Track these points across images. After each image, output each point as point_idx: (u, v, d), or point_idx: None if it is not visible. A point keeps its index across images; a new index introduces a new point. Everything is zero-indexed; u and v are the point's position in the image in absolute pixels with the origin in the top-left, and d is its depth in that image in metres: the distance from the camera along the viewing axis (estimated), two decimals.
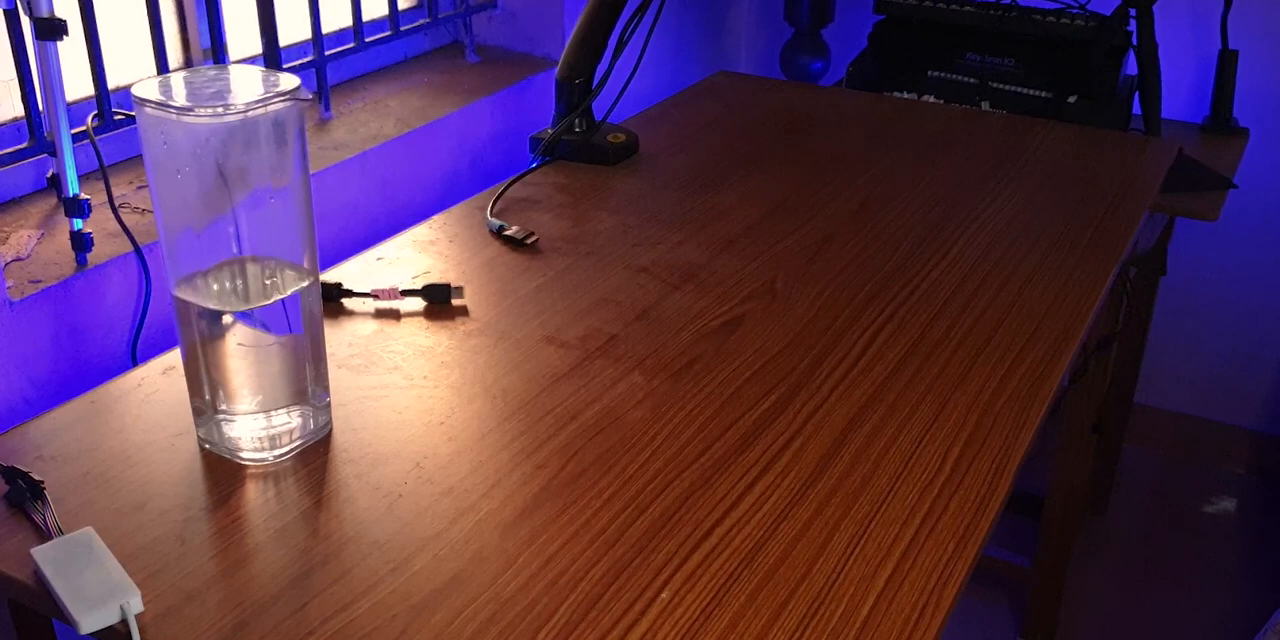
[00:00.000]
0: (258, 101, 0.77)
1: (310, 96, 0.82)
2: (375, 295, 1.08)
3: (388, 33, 1.59)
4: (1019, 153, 1.50)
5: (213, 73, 0.83)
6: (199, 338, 0.84)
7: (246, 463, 0.87)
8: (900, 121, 1.58)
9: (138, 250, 1.15)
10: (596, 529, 0.81)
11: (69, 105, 1.13)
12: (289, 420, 0.87)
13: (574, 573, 0.77)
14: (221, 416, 0.86)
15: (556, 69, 1.41)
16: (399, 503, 0.83)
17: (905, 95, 1.82)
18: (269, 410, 0.86)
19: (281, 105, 0.78)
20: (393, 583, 0.76)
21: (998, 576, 2.01)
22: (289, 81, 0.80)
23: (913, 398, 0.97)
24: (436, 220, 1.27)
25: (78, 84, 1.26)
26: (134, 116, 1.26)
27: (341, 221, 1.41)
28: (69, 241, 1.13)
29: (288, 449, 0.88)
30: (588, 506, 0.83)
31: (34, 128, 1.17)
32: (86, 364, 1.14)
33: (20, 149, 1.17)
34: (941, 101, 1.80)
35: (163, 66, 1.28)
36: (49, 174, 1.23)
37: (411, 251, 1.19)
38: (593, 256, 1.19)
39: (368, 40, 1.55)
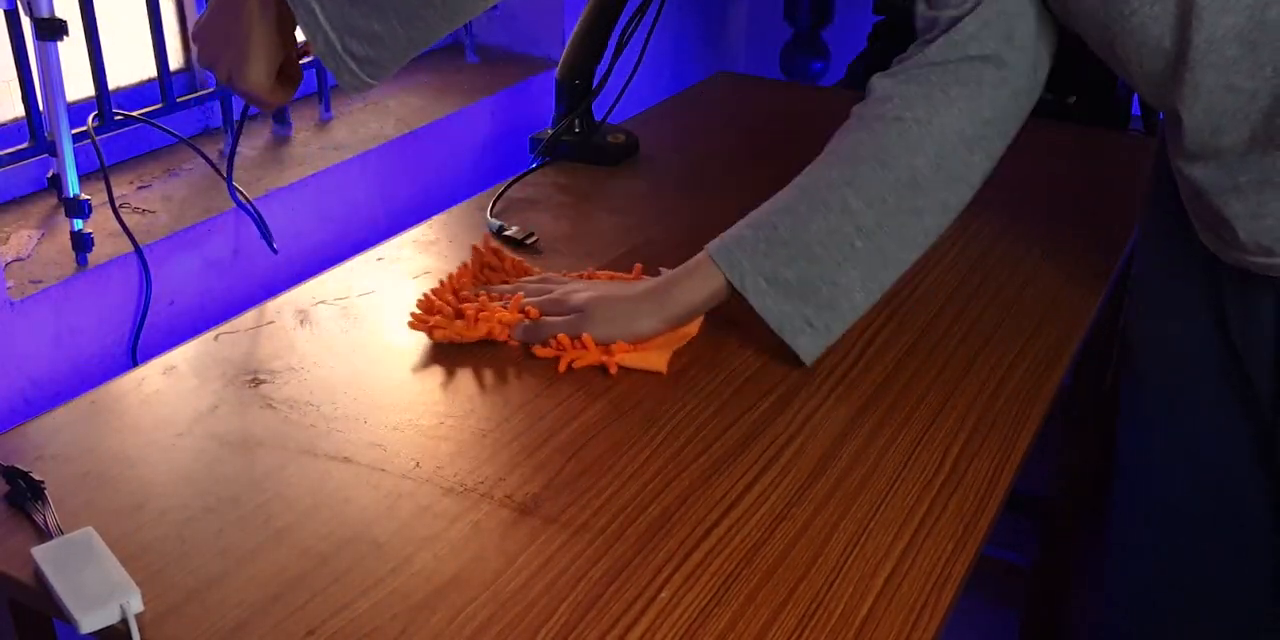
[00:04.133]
0: None
1: None
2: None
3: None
4: (1018, 153, 1.50)
5: None
6: None
7: None
8: None
9: (138, 250, 1.16)
10: (596, 529, 0.81)
11: (69, 105, 1.13)
12: None
13: (574, 572, 0.77)
14: None
15: (556, 69, 1.41)
16: (399, 503, 0.83)
17: None
18: None
19: None
20: (393, 582, 0.76)
21: (998, 576, 2.00)
22: None
23: (912, 398, 0.97)
24: (436, 220, 1.27)
25: (78, 84, 1.26)
26: (134, 116, 1.26)
27: (341, 221, 1.41)
28: (69, 241, 1.13)
29: None
30: (588, 506, 0.83)
31: (34, 128, 1.17)
32: (86, 364, 1.14)
33: (20, 149, 1.17)
34: None
35: (163, 66, 1.28)
36: (49, 174, 1.23)
37: (411, 251, 1.20)
38: (593, 257, 1.19)
39: None
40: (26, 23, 1.09)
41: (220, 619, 0.73)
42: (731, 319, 1.08)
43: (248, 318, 1.07)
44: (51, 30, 1.08)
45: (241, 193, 1.21)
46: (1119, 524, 1.13)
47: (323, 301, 1.09)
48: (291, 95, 0.97)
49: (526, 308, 1.02)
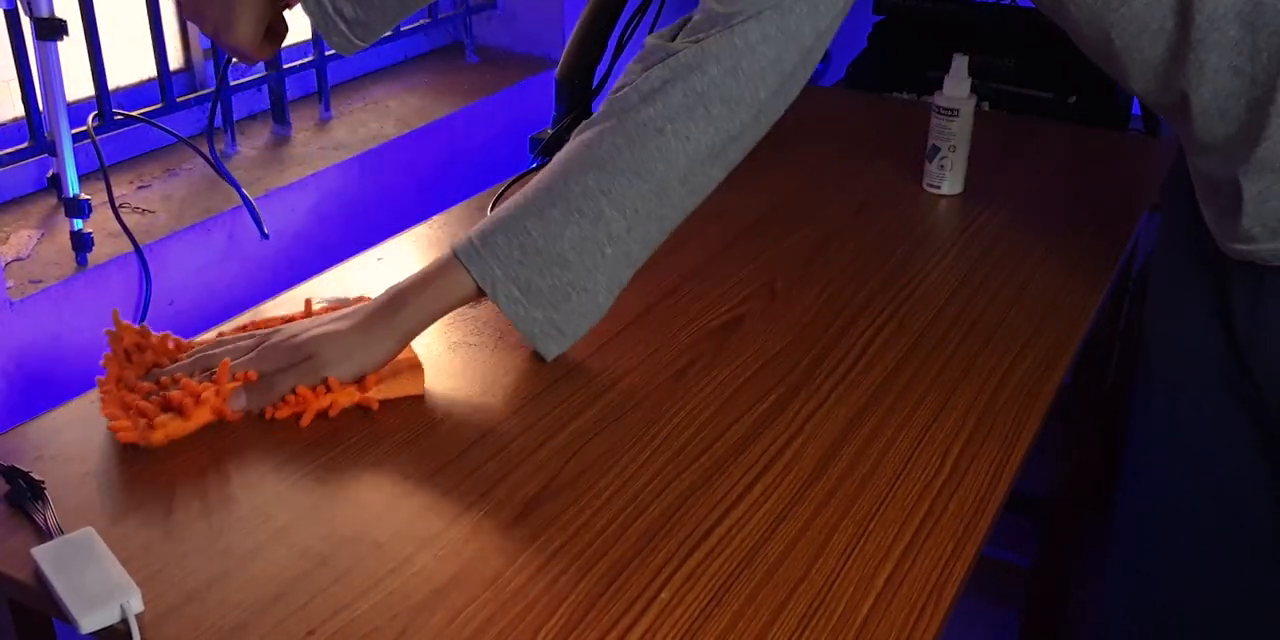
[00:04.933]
0: None
1: None
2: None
3: (388, 33, 1.59)
4: (1019, 153, 1.50)
5: None
6: None
7: None
8: (900, 122, 1.58)
9: (138, 250, 1.16)
10: (596, 529, 0.81)
11: (69, 105, 1.13)
12: None
13: (574, 572, 0.77)
14: None
15: (556, 69, 1.41)
16: (399, 503, 0.83)
17: (905, 95, 1.82)
18: None
19: None
20: (392, 583, 0.76)
21: (998, 576, 2.00)
22: None
23: (912, 398, 0.97)
24: (436, 220, 1.27)
25: (78, 84, 1.26)
26: (134, 116, 1.26)
27: (341, 221, 1.41)
28: (69, 241, 1.13)
29: None
30: (588, 506, 0.83)
31: (34, 128, 1.17)
32: (87, 364, 1.14)
33: (20, 149, 1.17)
34: None
35: (163, 66, 1.28)
36: (49, 174, 1.23)
37: (412, 251, 1.19)
38: None
39: None
40: (26, 23, 1.10)
41: (220, 619, 0.73)
42: (731, 320, 1.08)
43: (247, 317, 1.06)
44: (51, 30, 1.08)
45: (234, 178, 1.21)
46: (1121, 523, 1.13)
47: (322, 301, 1.09)
48: (277, 50, 0.99)
49: (239, 373, 0.90)
